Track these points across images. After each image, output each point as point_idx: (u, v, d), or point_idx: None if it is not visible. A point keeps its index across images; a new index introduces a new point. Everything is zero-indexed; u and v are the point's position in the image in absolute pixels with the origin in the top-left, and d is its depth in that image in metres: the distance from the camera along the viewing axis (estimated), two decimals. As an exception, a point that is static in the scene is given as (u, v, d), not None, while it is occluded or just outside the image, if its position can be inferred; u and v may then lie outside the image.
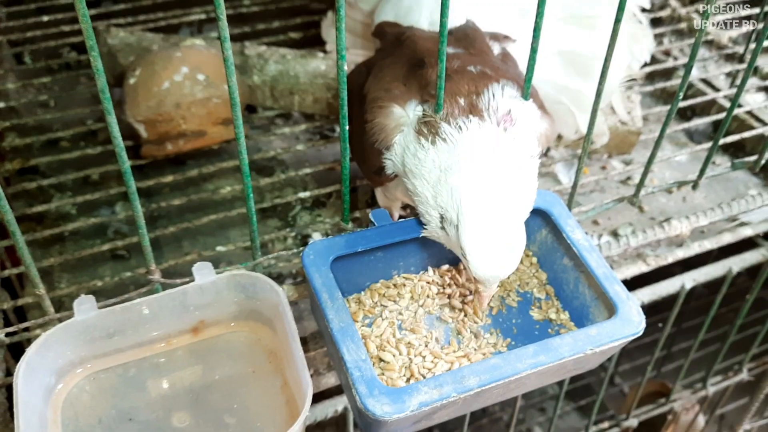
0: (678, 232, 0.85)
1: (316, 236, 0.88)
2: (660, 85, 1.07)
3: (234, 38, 1.12)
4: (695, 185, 0.81)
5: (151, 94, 0.83)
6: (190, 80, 0.83)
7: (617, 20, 0.62)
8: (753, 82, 1.15)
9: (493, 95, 0.62)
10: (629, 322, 0.60)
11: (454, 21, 0.72)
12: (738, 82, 0.95)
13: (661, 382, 1.48)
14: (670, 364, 1.67)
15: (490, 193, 0.58)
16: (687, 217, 0.86)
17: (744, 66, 1.09)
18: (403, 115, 0.64)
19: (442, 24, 0.56)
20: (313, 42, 1.07)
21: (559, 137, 0.88)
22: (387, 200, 0.76)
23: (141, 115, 0.83)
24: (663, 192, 0.96)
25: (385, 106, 0.64)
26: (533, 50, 0.61)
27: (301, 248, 0.65)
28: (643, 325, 0.60)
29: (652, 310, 1.00)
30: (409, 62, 0.66)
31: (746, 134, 0.96)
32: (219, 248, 0.79)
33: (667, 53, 1.17)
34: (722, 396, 1.29)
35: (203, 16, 1.15)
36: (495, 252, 0.57)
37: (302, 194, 0.86)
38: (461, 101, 0.62)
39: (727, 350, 1.15)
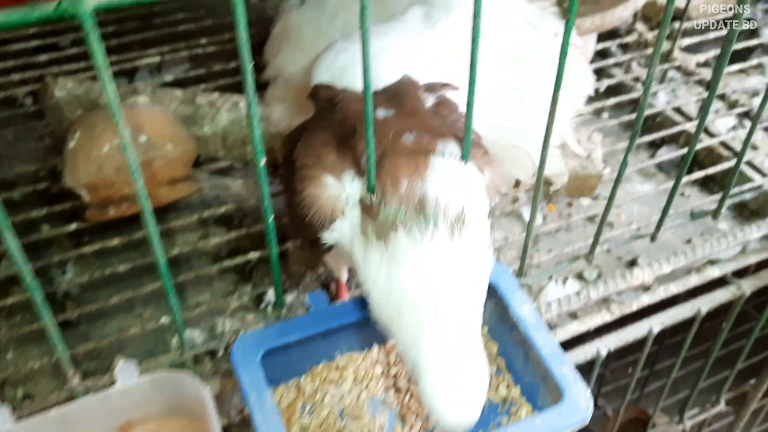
0: (640, 282, 0.82)
1: (271, 293, 0.86)
2: (626, 118, 1.04)
3: (190, 81, 1.10)
4: (653, 237, 0.79)
5: (91, 159, 0.80)
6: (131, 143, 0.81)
7: (557, 88, 0.60)
8: (723, 109, 1.11)
9: (435, 169, 0.57)
10: (576, 408, 0.58)
11: (389, 78, 0.69)
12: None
13: (641, 408, 1.46)
14: (654, 384, 1.64)
15: (452, 328, 0.52)
16: (650, 264, 0.83)
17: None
18: (337, 186, 0.59)
19: (366, 103, 0.53)
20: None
21: (517, 182, 0.85)
22: (332, 261, 0.74)
23: (81, 179, 0.80)
24: (629, 229, 0.93)
25: (315, 176, 0.59)
26: (469, 113, 0.57)
27: (234, 338, 0.62)
28: (591, 410, 0.58)
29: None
30: (340, 128, 0.62)
31: (711, 170, 0.93)
32: (163, 320, 0.77)
33: (636, 80, 1.14)
34: (702, 424, 1.27)
35: (158, 59, 1.12)
36: (464, 405, 0.52)
37: (252, 254, 0.84)
38: (403, 185, 0.56)
39: (710, 368, 1.12)
